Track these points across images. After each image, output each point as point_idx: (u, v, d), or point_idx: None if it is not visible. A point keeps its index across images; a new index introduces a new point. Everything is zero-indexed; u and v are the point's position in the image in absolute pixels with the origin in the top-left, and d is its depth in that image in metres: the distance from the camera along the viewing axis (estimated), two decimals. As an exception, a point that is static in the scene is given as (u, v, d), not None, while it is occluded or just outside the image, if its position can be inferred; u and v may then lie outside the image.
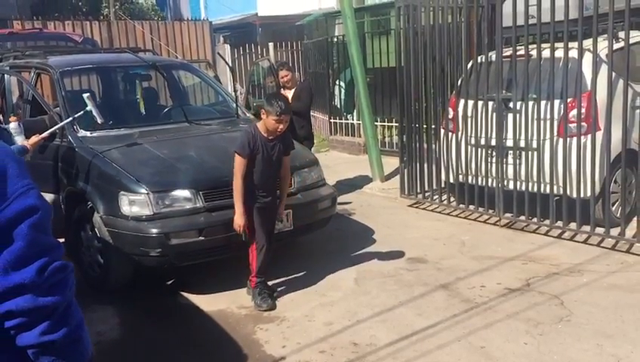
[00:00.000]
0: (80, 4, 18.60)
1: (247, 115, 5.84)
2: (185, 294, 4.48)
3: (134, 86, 6.27)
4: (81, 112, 4.71)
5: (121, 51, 6.95)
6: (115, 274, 4.49)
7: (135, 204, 4.26)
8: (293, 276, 4.69)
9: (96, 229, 4.45)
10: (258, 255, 4.13)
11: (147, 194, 4.25)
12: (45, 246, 1.26)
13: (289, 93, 6.89)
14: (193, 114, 5.67)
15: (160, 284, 4.74)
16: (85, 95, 4.73)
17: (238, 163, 3.98)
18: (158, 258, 4.27)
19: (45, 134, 4.49)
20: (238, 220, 4.00)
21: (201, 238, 4.27)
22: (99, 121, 4.71)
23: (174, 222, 4.26)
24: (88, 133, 4.82)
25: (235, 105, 5.75)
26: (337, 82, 11.12)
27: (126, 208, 4.26)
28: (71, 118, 4.72)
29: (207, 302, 4.31)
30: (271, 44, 12.73)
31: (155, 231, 4.19)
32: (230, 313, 4.15)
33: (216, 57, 11.27)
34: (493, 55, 5.66)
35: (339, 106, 11.18)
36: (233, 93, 6.18)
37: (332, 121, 10.93)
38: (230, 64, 10.60)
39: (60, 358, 1.28)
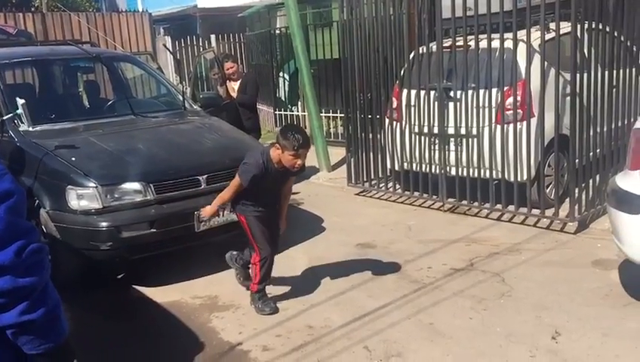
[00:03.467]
0: (9, -6, 17.78)
1: (195, 106, 5.83)
2: (137, 287, 4.46)
3: (76, 79, 6.13)
4: (11, 115, 4.62)
5: (62, 43, 6.76)
6: (65, 270, 4.40)
7: (84, 197, 4.20)
8: (246, 265, 4.74)
9: (42, 225, 4.37)
10: (262, 267, 3.86)
11: (96, 187, 4.20)
12: (22, 229, 1.29)
13: (234, 85, 6.92)
14: (139, 106, 5.62)
15: (111, 279, 4.69)
16: (21, 101, 4.59)
17: (236, 184, 3.69)
18: (109, 251, 4.24)
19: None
20: (208, 211, 3.87)
21: (153, 231, 4.27)
22: (26, 124, 4.64)
23: (125, 215, 4.24)
24: (30, 128, 4.70)
25: (181, 97, 5.72)
26: (281, 74, 11.16)
27: (74, 202, 4.20)
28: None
29: (160, 294, 4.31)
30: (213, 37, 12.62)
31: (105, 224, 4.16)
32: (184, 303, 4.17)
33: (157, 49, 11.08)
34: (433, 46, 5.87)
35: (283, 98, 11.24)
36: (179, 85, 6.14)
37: (277, 113, 10.98)
38: (175, 56, 10.45)
39: (39, 337, 1.31)
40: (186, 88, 6.47)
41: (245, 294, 4.25)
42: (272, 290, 4.29)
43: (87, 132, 4.87)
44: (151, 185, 4.32)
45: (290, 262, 4.83)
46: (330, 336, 3.53)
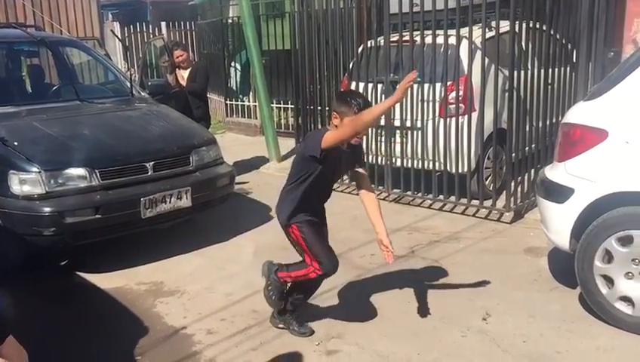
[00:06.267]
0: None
1: (142, 93, 5.80)
2: (81, 274, 4.44)
3: (19, 63, 5.99)
4: None
5: (5, 26, 6.57)
6: (6, 255, 4.35)
7: (26, 183, 4.15)
8: (192, 251, 4.79)
9: (-18, 210, 4.28)
10: (313, 279, 3.31)
11: (39, 172, 4.16)
12: None
13: (184, 74, 6.89)
14: (85, 92, 5.56)
15: (54, 265, 4.65)
16: None
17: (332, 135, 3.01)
18: (52, 237, 4.21)
19: None
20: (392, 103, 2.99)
21: (98, 216, 4.26)
22: None
23: (69, 201, 4.21)
24: (-31, 112, 4.60)
25: (129, 84, 5.68)
26: (233, 64, 11.14)
27: (16, 187, 4.15)
28: None
29: (104, 280, 4.30)
30: (163, 24, 12.45)
31: (48, 209, 4.13)
32: (129, 289, 4.18)
33: (105, 35, 10.86)
34: (381, 40, 6.01)
35: (234, 88, 11.22)
36: (127, 72, 6.08)
37: (228, 102, 10.96)
38: (123, 43, 10.27)
39: None
40: (135, 75, 6.42)
41: (191, 279, 4.30)
42: (217, 275, 4.36)
43: (30, 117, 4.80)
44: (96, 170, 4.30)
45: (237, 249, 4.90)
46: (273, 320, 3.62)
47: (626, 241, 3.26)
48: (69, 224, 4.17)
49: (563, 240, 3.55)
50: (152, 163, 4.55)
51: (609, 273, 3.34)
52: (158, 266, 4.54)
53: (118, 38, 7.73)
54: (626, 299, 3.29)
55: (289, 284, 3.42)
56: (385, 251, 3.23)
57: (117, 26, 12.96)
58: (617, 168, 3.27)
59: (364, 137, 6.06)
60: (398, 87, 2.89)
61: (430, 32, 5.52)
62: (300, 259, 3.38)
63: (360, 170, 3.38)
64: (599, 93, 3.55)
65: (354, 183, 3.53)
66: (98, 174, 4.31)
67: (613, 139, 3.28)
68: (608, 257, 3.34)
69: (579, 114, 3.60)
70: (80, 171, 4.28)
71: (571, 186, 3.44)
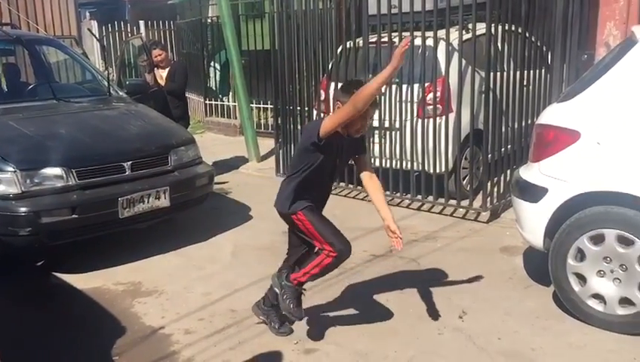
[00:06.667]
0: None
1: (120, 93, 5.76)
2: (58, 274, 4.40)
3: (-6, 61, 5.91)
4: None
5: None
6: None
7: (1, 182, 4.11)
8: (171, 251, 4.77)
9: (-44, 210, 4.22)
10: (329, 264, 3.15)
11: (14, 172, 4.12)
12: None
13: (163, 73, 6.86)
14: (62, 91, 5.50)
15: (31, 266, 4.60)
16: None
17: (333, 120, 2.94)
18: (28, 237, 4.17)
19: None
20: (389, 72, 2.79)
21: (74, 216, 4.22)
22: None
23: (45, 201, 4.18)
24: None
25: (106, 83, 5.64)
26: (212, 64, 11.10)
27: (-9, 187, 4.09)
28: None
29: (82, 281, 4.27)
30: (142, 23, 12.34)
31: (24, 209, 4.09)
32: (106, 290, 4.15)
33: (82, 34, 10.75)
34: (360, 41, 6.05)
35: (214, 88, 11.18)
36: (105, 71, 6.04)
37: (207, 102, 10.92)
38: (100, 42, 10.17)
39: None
40: (112, 74, 6.37)
41: (169, 279, 4.29)
42: (196, 274, 4.35)
43: (6, 116, 4.74)
44: (73, 170, 4.27)
45: (216, 248, 4.90)
46: (252, 319, 3.62)
47: (598, 240, 3.33)
48: (45, 224, 4.13)
49: (537, 239, 3.62)
50: (130, 162, 4.53)
51: (581, 271, 3.41)
52: (136, 266, 4.51)
53: (96, 37, 7.67)
54: (598, 297, 3.37)
55: (305, 284, 3.28)
56: (393, 238, 3.14)
57: (94, 25, 12.83)
58: (589, 168, 3.34)
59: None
60: (394, 54, 2.78)
61: (408, 33, 5.57)
62: (303, 250, 3.34)
63: (361, 156, 3.31)
64: (572, 94, 3.62)
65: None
66: (75, 174, 4.27)
67: (585, 140, 3.35)
68: (581, 255, 3.41)
69: (552, 115, 3.67)
70: (56, 171, 4.24)
71: (545, 186, 3.50)
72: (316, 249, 3.22)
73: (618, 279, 3.29)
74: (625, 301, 3.28)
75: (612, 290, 3.31)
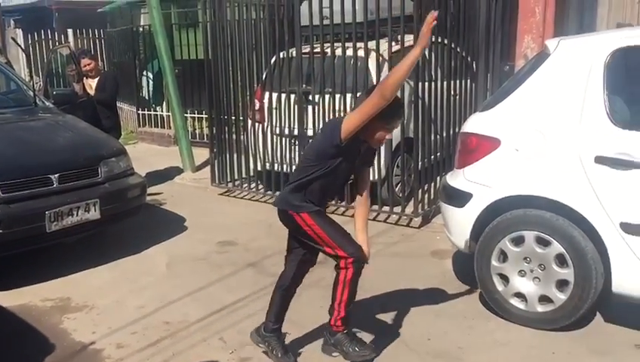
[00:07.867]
0: None
1: (47, 103, 5.59)
2: (-19, 292, 4.21)
3: None
4: None
5: None
6: None
7: None
8: (102, 265, 4.66)
9: None
10: (354, 275, 2.95)
11: None
12: None
13: (92, 83, 6.70)
14: (-17, 102, 5.27)
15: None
16: None
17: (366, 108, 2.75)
18: (-52, 254, 3.97)
19: None
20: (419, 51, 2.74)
21: (-1, 231, 4.06)
22: None
23: (-34, 216, 3.99)
24: None
25: (32, 93, 5.46)
26: (145, 73, 10.91)
27: None
28: None
29: (7, 299, 4.10)
30: (70, 31, 12.01)
31: (-58, 225, 3.89)
32: (34, 306, 4.01)
33: (7, 42, 10.33)
34: (293, 51, 6.13)
35: (147, 98, 10.98)
36: (30, 81, 5.85)
37: (140, 112, 10.71)
38: (25, 51, 9.81)
39: None
40: (39, 84, 6.16)
41: (100, 293, 4.19)
42: (128, 288, 4.26)
43: None
44: (-4, 184, 4.11)
45: (150, 260, 4.83)
46: (186, 331, 3.60)
47: (519, 241, 3.51)
48: (-33, 240, 3.95)
49: (463, 242, 3.78)
50: (57, 175, 4.40)
51: (504, 271, 3.59)
52: (65, 281, 4.38)
53: (20, 46, 7.39)
54: (520, 295, 3.55)
55: (348, 323, 3.10)
56: None
57: (20, 33, 12.38)
58: (509, 174, 3.53)
59: (273, 144, 6.16)
60: (421, 33, 2.66)
61: (341, 44, 5.69)
62: (303, 255, 3.20)
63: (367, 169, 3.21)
64: (493, 104, 3.81)
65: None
66: (-2, 187, 4.12)
67: (504, 147, 3.54)
68: (503, 257, 3.59)
69: (475, 124, 3.85)
70: (-22, 184, 4.07)
71: (469, 191, 3.67)
72: (326, 254, 3.03)
73: (537, 278, 3.48)
74: (544, 298, 3.47)
75: (532, 289, 3.49)
